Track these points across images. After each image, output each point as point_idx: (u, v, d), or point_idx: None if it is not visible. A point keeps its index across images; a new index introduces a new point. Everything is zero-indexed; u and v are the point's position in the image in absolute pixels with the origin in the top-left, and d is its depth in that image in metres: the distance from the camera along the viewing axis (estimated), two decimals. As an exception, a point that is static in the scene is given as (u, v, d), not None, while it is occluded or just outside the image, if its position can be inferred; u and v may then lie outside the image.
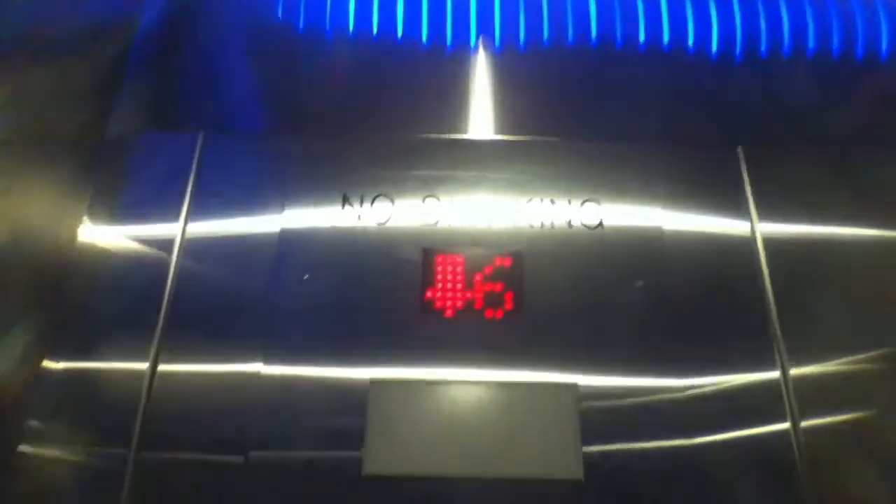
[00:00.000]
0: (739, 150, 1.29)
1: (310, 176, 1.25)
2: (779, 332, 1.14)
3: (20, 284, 1.08)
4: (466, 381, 1.10)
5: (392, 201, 1.24)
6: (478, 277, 1.17)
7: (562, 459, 1.05)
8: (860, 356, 1.13)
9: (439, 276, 1.17)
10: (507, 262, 1.18)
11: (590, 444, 1.06)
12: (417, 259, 1.18)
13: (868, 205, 1.25)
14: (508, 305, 1.15)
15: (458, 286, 1.16)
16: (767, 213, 1.23)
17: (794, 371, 1.11)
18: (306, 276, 1.17)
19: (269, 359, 1.10)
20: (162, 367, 1.09)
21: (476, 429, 1.07)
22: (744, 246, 1.21)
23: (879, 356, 1.13)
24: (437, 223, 1.22)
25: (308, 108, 1.36)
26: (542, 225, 1.22)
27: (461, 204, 1.24)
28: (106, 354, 1.11)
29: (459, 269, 1.18)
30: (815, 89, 1.41)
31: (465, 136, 1.32)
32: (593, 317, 1.15)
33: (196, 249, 1.19)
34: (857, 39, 1.44)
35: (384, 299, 1.15)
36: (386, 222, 1.22)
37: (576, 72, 1.41)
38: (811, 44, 1.44)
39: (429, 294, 1.16)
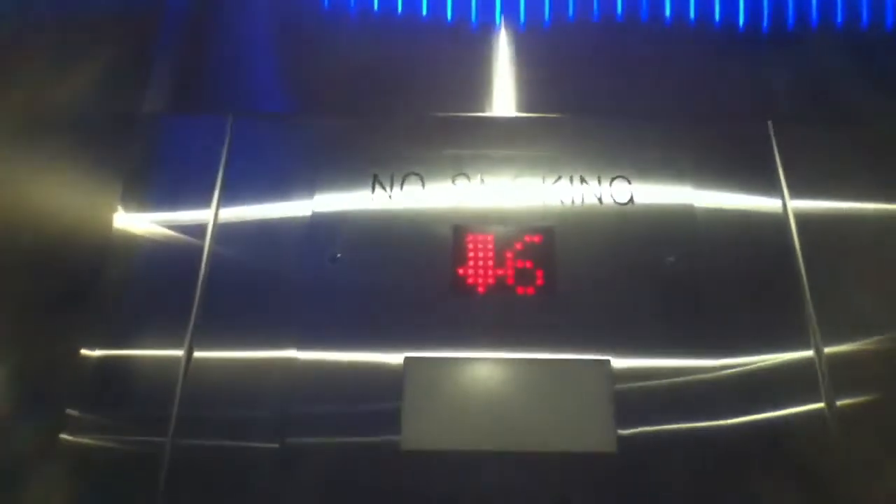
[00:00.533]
0: (769, 124, 1.26)
1: (339, 157, 1.23)
2: (812, 311, 1.11)
3: (57, 273, 1.07)
4: (500, 358, 1.09)
5: (422, 181, 1.22)
6: (509, 254, 1.15)
7: (595, 433, 1.04)
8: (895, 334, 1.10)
9: (470, 254, 1.15)
10: (538, 239, 1.16)
11: (623, 421, 1.04)
12: (449, 237, 1.17)
13: None
14: (540, 282, 1.14)
15: (490, 263, 1.15)
16: (799, 188, 1.20)
17: (829, 350, 1.08)
18: (339, 255, 1.15)
19: (303, 343, 1.09)
20: (197, 354, 1.08)
21: (510, 404, 1.06)
22: (776, 222, 1.18)
23: (915, 334, 1.09)
24: (467, 202, 1.20)
25: (335, 88, 1.34)
26: (573, 202, 1.20)
27: (491, 182, 1.22)
28: (142, 342, 1.10)
29: (490, 246, 1.16)
30: (844, 61, 1.37)
31: (493, 115, 1.29)
32: (625, 293, 1.13)
33: (228, 235, 1.17)
34: (889, 9, 1.40)
35: (416, 278, 1.14)
36: (417, 201, 1.20)
37: (601, 48, 1.38)
38: (839, 15, 1.40)
39: (460, 271, 1.14)
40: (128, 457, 1.03)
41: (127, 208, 1.21)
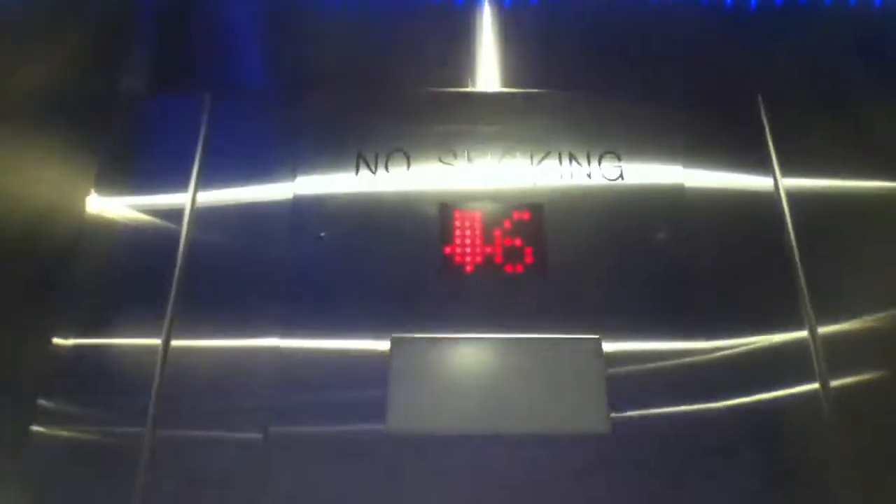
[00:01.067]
0: (760, 101, 1.23)
1: (322, 134, 1.19)
2: (805, 291, 1.08)
3: (28, 259, 1.03)
4: (488, 338, 1.06)
5: (408, 158, 1.18)
6: (497, 232, 1.12)
7: (587, 414, 1.01)
8: (890, 312, 1.08)
9: (458, 232, 1.11)
10: (526, 216, 1.13)
11: (615, 402, 1.01)
12: (435, 215, 1.13)
13: (891, 155, 1.20)
14: (528, 259, 1.10)
15: (478, 241, 1.11)
16: (791, 166, 1.18)
17: (823, 329, 1.06)
18: (322, 235, 1.11)
19: (286, 331, 1.04)
20: (175, 343, 1.04)
21: (499, 385, 1.03)
22: (767, 201, 1.16)
23: (908, 312, 1.05)
24: (454, 179, 1.17)
25: (318, 65, 1.29)
26: (562, 178, 1.16)
27: (478, 159, 1.18)
28: (117, 330, 1.05)
29: (478, 224, 1.12)
30: (834, 38, 1.34)
31: (480, 90, 1.26)
32: (615, 271, 1.11)
33: (207, 219, 1.13)
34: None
35: (402, 258, 1.10)
36: (402, 179, 1.16)
37: (589, 24, 1.34)
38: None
39: (447, 250, 1.10)
40: (104, 449, 0.99)
41: (101, 192, 1.16)
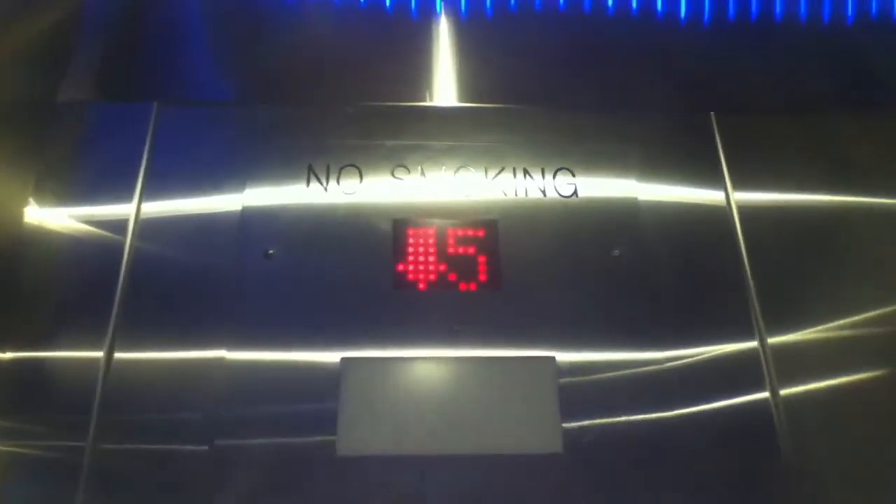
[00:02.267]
0: (712, 115, 1.26)
1: (272, 147, 1.18)
2: (756, 302, 1.11)
3: None
4: (441, 357, 1.06)
5: (360, 172, 1.18)
6: (451, 249, 1.12)
7: (540, 433, 1.01)
8: (838, 323, 1.11)
9: (411, 249, 1.12)
10: (481, 233, 1.14)
11: (569, 417, 1.02)
12: (388, 231, 1.13)
13: (841, 171, 1.24)
14: (483, 277, 1.11)
15: (431, 258, 1.11)
16: (742, 180, 1.21)
17: (772, 340, 1.09)
18: (271, 251, 1.10)
19: (233, 343, 1.04)
20: (118, 355, 1.02)
21: (453, 405, 1.03)
22: (719, 214, 1.18)
23: (856, 322, 1.11)
24: (407, 194, 1.17)
25: (269, 76, 1.29)
26: (516, 194, 1.18)
27: (432, 174, 1.19)
28: (58, 343, 1.03)
29: (431, 240, 1.13)
30: (783, 54, 1.38)
31: (434, 104, 1.26)
32: (570, 287, 1.12)
33: (152, 230, 1.12)
34: (825, 2, 1.41)
35: (354, 274, 1.10)
36: (354, 194, 1.16)
37: (544, 38, 1.36)
38: (778, 7, 1.41)
39: (400, 267, 1.11)
40: (44, 463, 0.97)
41: (41, 202, 1.13)
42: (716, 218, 1.19)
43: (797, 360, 1.08)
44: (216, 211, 1.14)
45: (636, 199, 1.19)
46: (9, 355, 1.02)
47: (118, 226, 1.11)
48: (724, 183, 1.21)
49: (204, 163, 1.17)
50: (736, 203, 1.19)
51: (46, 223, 1.12)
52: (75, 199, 1.14)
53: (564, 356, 1.06)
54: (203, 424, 0.99)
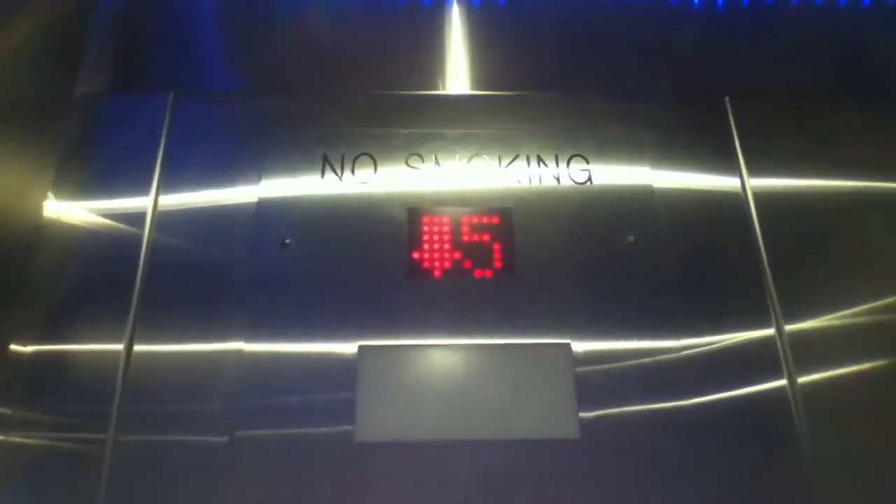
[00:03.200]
0: (726, 100, 1.27)
1: (288, 138, 1.20)
2: (773, 288, 1.12)
3: None
4: (457, 344, 1.07)
5: (375, 161, 1.19)
6: (465, 237, 1.14)
7: (557, 419, 1.03)
8: (856, 309, 1.11)
9: (426, 237, 1.13)
10: (495, 220, 1.15)
11: (585, 405, 1.03)
12: (403, 220, 1.14)
13: (859, 156, 1.24)
14: (498, 264, 1.12)
15: (446, 246, 1.13)
16: (758, 166, 1.21)
17: (789, 327, 1.09)
18: (287, 241, 1.12)
19: (251, 335, 1.06)
20: (138, 348, 1.04)
21: (469, 392, 1.04)
22: (734, 201, 1.19)
23: (875, 309, 1.12)
24: (421, 183, 1.18)
25: (283, 66, 1.30)
26: (530, 181, 1.19)
27: (446, 162, 1.20)
28: (78, 336, 1.05)
29: (446, 228, 1.14)
30: (799, 37, 1.38)
31: (447, 93, 1.27)
32: (585, 275, 1.13)
33: (169, 222, 1.13)
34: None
35: (370, 263, 1.11)
36: (368, 183, 1.18)
37: (558, 24, 1.36)
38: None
39: (416, 255, 1.12)
40: (65, 455, 0.99)
41: (60, 195, 1.15)
42: (731, 205, 1.19)
43: (815, 347, 1.09)
44: (232, 201, 1.16)
45: (651, 185, 1.19)
46: (30, 348, 1.04)
47: (136, 218, 1.13)
48: (740, 169, 1.21)
49: (220, 153, 1.19)
50: (751, 190, 1.20)
51: (65, 216, 1.14)
52: (93, 191, 1.16)
53: (580, 343, 1.07)
54: (223, 415, 1.01)
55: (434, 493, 0.98)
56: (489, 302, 1.10)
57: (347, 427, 1.00)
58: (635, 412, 1.03)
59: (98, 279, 1.09)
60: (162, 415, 1.01)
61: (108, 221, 1.13)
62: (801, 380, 1.06)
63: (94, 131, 1.21)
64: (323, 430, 1.01)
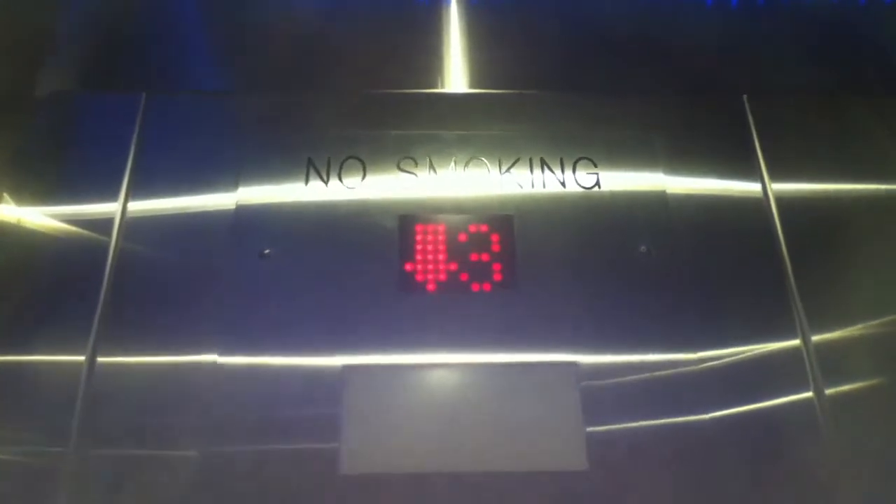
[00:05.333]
0: (745, 99, 1.26)
1: (269, 139, 1.20)
2: (798, 298, 1.11)
3: None
4: (452, 363, 1.05)
5: (363, 165, 1.18)
6: (462, 247, 1.12)
7: (563, 448, 1.00)
8: (885, 319, 1.10)
9: (419, 247, 1.12)
10: (495, 229, 1.14)
11: (594, 430, 1.00)
12: (394, 228, 1.13)
13: (889, 158, 1.22)
14: (497, 277, 1.11)
15: (441, 257, 1.12)
16: (780, 169, 1.20)
17: (816, 338, 1.08)
18: (267, 251, 1.11)
19: (225, 348, 1.04)
20: (102, 359, 1.04)
21: (465, 417, 1.02)
22: (756, 206, 1.17)
23: (903, 318, 1.14)
24: (414, 188, 1.17)
25: (264, 64, 1.30)
26: (533, 187, 1.18)
27: (441, 166, 1.19)
28: (38, 347, 1.04)
29: (441, 238, 1.13)
30: (821, 32, 1.37)
31: (443, 91, 1.27)
32: (593, 287, 1.11)
33: (139, 230, 1.13)
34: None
35: (357, 275, 1.10)
36: (356, 189, 1.17)
37: (561, 20, 1.36)
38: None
39: (408, 266, 1.11)
40: (23, 470, 0.97)
41: (19, 200, 1.15)
42: (752, 210, 1.17)
43: (843, 358, 1.07)
44: (208, 208, 1.15)
45: (664, 190, 1.19)
46: (-13, 359, 1.07)
47: (103, 225, 1.13)
48: (761, 173, 1.20)
49: (195, 157, 1.19)
50: (774, 194, 1.18)
51: (25, 222, 1.14)
52: (57, 196, 1.15)
53: (587, 363, 1.05)
54: (193, 431, 0.99)
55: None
56: (488, 317, 1.08)
57: (331, 448, 0.98)
58: (648, 434, 1.01)
59: (60, 288, 1.09)
60: (128, 429, 1.00)
61: (72, 228, 1.13)
62: (829, 392, 1.04)
63: (60, 132, 1.22)
64: (304, 452, 0.98)
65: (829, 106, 1.27)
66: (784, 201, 1.18)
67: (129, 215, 1.13)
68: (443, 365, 1.05)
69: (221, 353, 1.04)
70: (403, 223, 1.13)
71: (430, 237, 1.13)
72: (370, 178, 1.17)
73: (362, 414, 1.01)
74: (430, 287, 1.10)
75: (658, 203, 1.17)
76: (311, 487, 0.97)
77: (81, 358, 1.03)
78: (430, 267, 1.11)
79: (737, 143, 1.23)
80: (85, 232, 1.12)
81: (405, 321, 1.07)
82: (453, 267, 1.11)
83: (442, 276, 1.10)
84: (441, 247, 1.12)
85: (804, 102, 1.27)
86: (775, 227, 1.15)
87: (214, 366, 1.03)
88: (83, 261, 1.10)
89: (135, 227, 1.13)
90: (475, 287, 1.10)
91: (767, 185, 1.19)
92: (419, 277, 1.10)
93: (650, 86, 1.29)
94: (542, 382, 1.04)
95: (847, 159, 1.22)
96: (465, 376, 1.04)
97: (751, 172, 1.20)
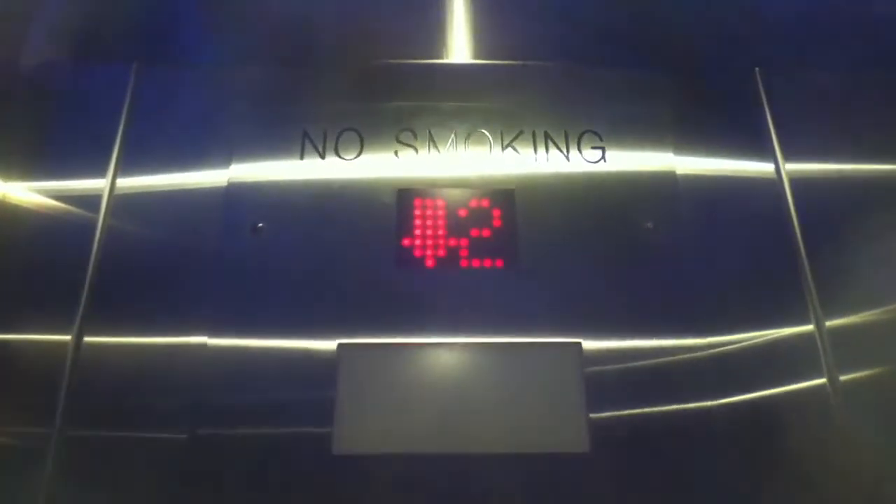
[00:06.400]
0: (756, 72, 1.24)
1: (263, 111, 1.18)
2: (811, 282, 1.09)
3: None
4: (451, 343, 1.03)
5: (361, 138, 1.17)
6: (462, 222, 1.11)
7: (564, 430, 0.99)
8: None
9: (418, 222, 1.11)
10: (496, 204, 1.12)
11: (597, 411, 0.99)
12: (392, 203, 1.12)
13: None
14: (498, 252, 1.09)
15: (440, 232, 1.10)
16: (794, 147, 1.18)
17: (830, 323, 1.06)
18: (260, 225, 1.09)
19: (215, 329, 1.03)
20: (88, 339, 1.03)
21: (463, 398, 1.01)
22: (768, 186, 1.15)
23: (919, 304, 1.11)
24: (413, 161, 1.15)
25: (259, 33, 1.27)
26: (536, 161, 1.16)
27: (441, 139, 1.17)
28: (22, 326, 1.04)
29: (441, 213, 1.11)
30: (831, 8, 1.34)
31: (443, 61, 1.25)
32: (597, 265, 1.09)
33: (127, 206, 1.12)
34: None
35: (353, 250, 1.09)
36: (354, 162, 1.15)
37: None
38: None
39: (406, 242, 1.09)
40: (7, 450, 0.97)
41: (3, 175, 1.13)
42: (765, 191, 1.15)
43: (858, 344, 1.06)
44: (199, 183, 1.14)
45: (672, 164, 1.17)
46: (-31, 339, 1.05)
47: (90, 201, 1.11)
48: (774, 151, 1.18)
49: (187, 130, 1.17)
50: (788, 174, 1.16)
51: (10, 197, 1.12)
52: (42, 171, 1.14)
53: (591, 343, 1.04)
54: (182, 412, 0.99)
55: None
56: (488, 295, 1.07)
57: (324, 431, 0.97)
58: (652, 418, 0.99)
59: (45, 266, 1.08)
60: (115, 410, 0.99)
61: (58, 204, 1.11)
62: (844, 378, 1.03)
63: (45, 104, 1.19)
64: (297, 434, 0.98)
65: (846, 83, 1.24)
66: (798, 181, 1.15)
67: (117, 192, 1.12)
68: (441, 344, 1.03)
69: (212, 335, 1.03)
70: (402, 197, 1.12)
71: (429, 212, 1.11)
72: (368, 151, 1.15)
73: (357, 394, 1.00)
74: (429, 263, 1.08)
75: (665, 179, 1.15)
76: (302, 467, 0.96)
77: (67, 338, 1.02)
78: (430, 242, 1.09)
79: (748, 118, 1.20)
80: (72, 208, 1.11)
81: (402, 298, 1.06)
82: (453, 242, 1.09)
83: (441, 252, 1.09)
84: (441, 222, 1.10)
85: (819, 79, 1.24)
86: (788, 208, 1.14)
87: (205, 347, 1.02)
88: (69, 238, 1.09)
89: (123, 204, 1.11)
90: (475, 263, 1.08)
91: (781, 165, 1.16)
92: (417, 253, 1.09)
93: (658, 57, 1.26)
94: (543, 363, 1.03)
95: (864, 139, 1.19)
96: (464, 356, 1.03)
97: (763, 150, 1.18)
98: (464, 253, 1.09)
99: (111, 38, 1.26)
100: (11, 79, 1.18)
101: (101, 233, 1.09)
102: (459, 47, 1.26)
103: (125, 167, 1.13)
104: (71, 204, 1.11)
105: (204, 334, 1.03)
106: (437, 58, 1.25)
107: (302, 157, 1.14)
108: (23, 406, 0.99)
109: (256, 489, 0.95)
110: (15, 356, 1.02)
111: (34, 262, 1.08)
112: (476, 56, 1.25)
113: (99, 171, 1.13)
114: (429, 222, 1.10)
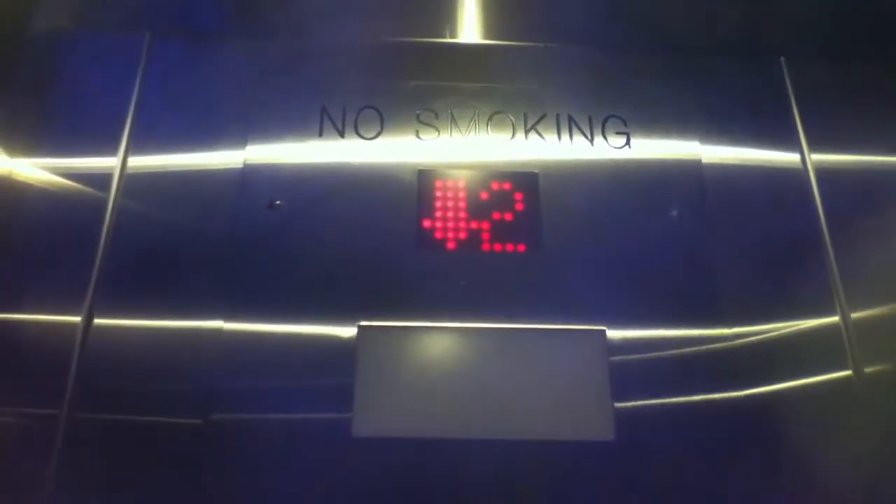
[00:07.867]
0: (782, 61, 1.24)
1: (281, 87, 1.17)
2: (837, 274, 1.09)
3: None
4: (472, 328, 1.03)
5: (381, 116, 1.16)
6: (484, 204, 1.10)
7: (589, 418, 0.99)
8: None
9: (438, 203, 1.10)
10: (519, 188, 1.12)
11: (621, 400, 1.00)
12: (412, 183, 1.11)
13: None
14: (521, 236, 1.09)
15: (461, 214, 1.10)
16: (819, 137, 1.19)
17: (856, 314, 1.07)
18: (278, 202, 1.08)
19: (231, 312, 1.02)
20: (98, 321, 1.01)
21: (485, 383, 1.01)
22: (794, 175, 1.16)
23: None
24: (434, 142, 1.15)
25: (277, 7, 1.26)
26: (560, 144, 1.16)
27: (463, 119, 1.17)
28: (31, 307, 1.02)
29: (462, 195, 1.11)
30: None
31: (466, 41, 1.25)
32: (621, 251, 1.10)
33: (139, 185, 1.10)
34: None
35: (373, 232, 1.08)
36: (373, 141, 1.14)
37: None
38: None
39: (426, 224, 1.09)
40: (15, 432, 0.96)
41: (10, 151, 1.12)
42: (790, 180, 1.17)
43: (883, 335, 1.07)
44: (215, 161, 1.13)
45: (698, 153, 1.17)
46: (-23, 318, 1.02)
47: (101, 180, 1.10)
48: (799, 141, 1.19)
49: (202, 104, 1.16)
50: (813, 164, 1.17)
51: (17, 174, 1.10)
52: (51, 148, 1.12)
53: (615, 330, 1.04)
54: (196, 397, 0.98)
55: (441, 498, 0.95)
56: (510, 280, 1.07)
57: (343, 416, 0.97)
58: (678, 407, 1.00)
59: (54, 245, 1.06)
60: (125, 393, 0.98)
61: (67, 182, 1.10)
62: (868, 370, 1.03)
63: (54, 76, 1.17)
64: (315, 418, 0.97)
65: (872, 74, 1.25)
66: (823, 172, 1.16)
67: (129, 170, 1.10)
68: (461, 329, 1.03)
69: (227, 319, 1.02)
70: (422, 178, 1.11)
71: (450, 193, 1.11)
72: (388, 130, 1.15)
73: (376, 376, 1.00)
74: (450, 245, 1.08)
75: (690, 165, 1.16)
76: (321, 451, 0.95)
77: (77, 319, 1.01)
78: (451, 224, 1.09)
79: (774, 110, 1.21)
80: (81, 187, 1.09)
81: (423, 281, 1.06)
82: (474, 225, 1.09)
83: (462, 235, 1.08)
84: (462, 204, 1.10)
85: (846, 69, 1.25)
86: (814, 198, 1.14)
87: (220, 332, 1.01)
88: (79, 217, 1.07)
89: (135, 183, 1.10)
90: (497, 247, 1.08)
91: (806, 156, 1.17)
92: (438, 235, 1.08)
93: (683, 43, 1.26)
94: (567, 350, 1.03)
95: (890, 130, 1.20)
96: (485, 341, 1.03)
97: (788, 139, 1.18)
98: (485, 236, 1.08)
99: (123, 6, 1.24)
100: (18, 48, 1.16)
101: (112, 212, 1.07)
102: (484, 26, 1.26)
103: (138, 143, 1.12)
104: (80, 182, 1.09)
105: (219, 318, 1.01)
106: (460, 37, 1.25)
107: (321, 134, 1.13)
108: (31, 388, 0.98)
109: (273, 475, 0.94)
110: (24, 336, 1.00)
111: (43, 241, 1.06)
112: (500, 37, 1.25)
113: (110, 149, 1.11)
114: (450, 203, 1.10)
